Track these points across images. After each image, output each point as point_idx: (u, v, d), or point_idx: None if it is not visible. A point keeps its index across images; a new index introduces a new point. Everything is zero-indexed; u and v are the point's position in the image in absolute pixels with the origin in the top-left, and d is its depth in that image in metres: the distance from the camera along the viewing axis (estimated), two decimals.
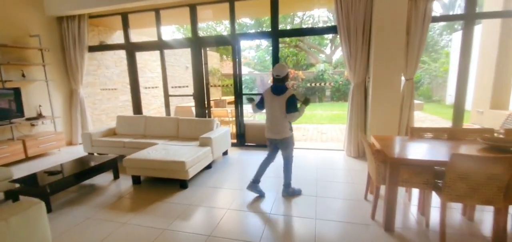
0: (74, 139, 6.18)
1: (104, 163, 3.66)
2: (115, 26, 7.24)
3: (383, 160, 2.53)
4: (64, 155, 5.25)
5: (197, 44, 5.38)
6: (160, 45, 5.67)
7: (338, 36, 4.37)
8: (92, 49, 6.13)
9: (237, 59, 5.25)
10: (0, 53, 4.69)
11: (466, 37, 4.16)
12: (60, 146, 5.49)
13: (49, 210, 2.92)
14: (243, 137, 5.49)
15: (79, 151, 5.33)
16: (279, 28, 4.96)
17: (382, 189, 2.56)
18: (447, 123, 8.15)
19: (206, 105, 5.60)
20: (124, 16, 5.73)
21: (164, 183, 3.56)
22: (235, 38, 5.17)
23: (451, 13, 17.27)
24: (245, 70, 19.41)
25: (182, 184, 3.43)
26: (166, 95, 5.85)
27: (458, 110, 4.38)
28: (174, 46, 5.75)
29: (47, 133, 5.37)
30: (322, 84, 15.29)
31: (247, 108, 7.02)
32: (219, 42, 5.82)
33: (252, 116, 6.82)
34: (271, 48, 5.16)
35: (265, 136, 3.18)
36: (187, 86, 9.79)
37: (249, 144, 5.48)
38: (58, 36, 5.91)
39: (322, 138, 6.52)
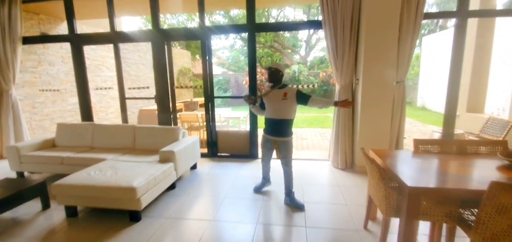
0: (5, 152, 5.00)
1: (26, 190, 2.74)
2: (62, 15, 6.09)
3: (390, 182, 1.98)
4: None
5: (160, 38, 4.56)
6: (113, 38, 4.74)
7: (323, 31, 3.84)
8: (27, 41, 5.01)
9: (207, 57, 4.51)
10: None
11: (458, 36, 3.82)
12: None
13: None
14: (215, 146, 4.76)
15: (6, 168, 4.24)
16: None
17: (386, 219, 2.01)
18: (425, 126, 8.07)
19: (171, 110, 4.78)
20: (68, 1, 4.72)
21: (110, 215, 2.73)
22: (205, 32, 4.43)
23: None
24: (218, 70, 18.58)
25: (133, 216, 2.63)
26: (122, 98, 4.93)
27: (450, 115, 4.05)
28: (131, 39, 4.86)
29: None
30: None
31: (220, 112, 6.24)
32: (186, 36, 5.04)
33: (225, 121, 6.11)
34: (245, 47, 4.48)
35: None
36: (148, 88, 8.80)
37: (222, 154, 4.77)
38: None
39: (302, 144, 6.00)
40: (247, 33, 4.31)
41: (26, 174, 3.93)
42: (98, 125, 4.24)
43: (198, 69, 15.50)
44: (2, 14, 4.67)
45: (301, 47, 21.12)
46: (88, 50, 7.24)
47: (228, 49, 22.75)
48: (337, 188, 3.33)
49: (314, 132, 7.40)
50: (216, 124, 4.94)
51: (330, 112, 11.09)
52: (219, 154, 4.76)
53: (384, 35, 3.53)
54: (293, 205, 2.86)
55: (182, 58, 13.65)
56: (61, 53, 6.31)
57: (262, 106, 2.88)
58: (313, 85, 14.89)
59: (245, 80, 14.90)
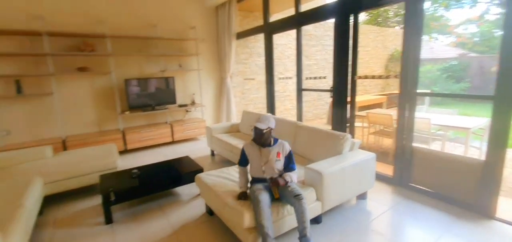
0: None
1: (189, 173, 2.91)
2: (273, 9, 6.55)
3: None
4: (198, 144, 5.30)
5: (344, 9, 3.45)
6: (297, 21, 4.26)
7: None
8: (238, 36, 5.82)
9: (415, 26, 2.83)
10: (162, 46, 5.24)
11: None
12: (202, 134, 5.65)
13: (109, 220, 2.51)
14: (407, 170, 3.02)
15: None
16: None
17: None
18: None
19: (347, 106, 3.61)
20: None
21: (230, 234, 2.26)
22: None
23: None
24: (452, 53, 13.69)
25: None
26: (299, 90, 4.41)
27: None
28: (313, 18, 4.14)
29: (192, 120, 5.69)
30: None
31: (431, 115, 3.84)
32: None
33: (440, 130, 3.87)
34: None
35: None
36: (324, 77, 7.86)
37: (415, 185, 2.94)
38: (215, 26, 6.05)
39: None
40: None
41: (214, 153, 4.53)
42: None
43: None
44: (223, 14, 5.67)
45: None
46: (291, 40, 7.52)
47: (474, 23, 16.08)
48: None
49: None
50: (420, 135, 3.12)
51: None
52: (412, 184, 2.97)
53: None
54: None
55: (397, 40, 11.24)
56: None
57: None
58: None
59: (495, 66, 9.62)
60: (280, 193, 2.06)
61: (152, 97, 5.10)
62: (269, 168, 2.14)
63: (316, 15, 4.06)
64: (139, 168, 3.08)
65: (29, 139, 4.30)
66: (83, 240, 2.28)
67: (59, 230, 2.45)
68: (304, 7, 4.20)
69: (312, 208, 2.18)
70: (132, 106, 4.88)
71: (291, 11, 4.49)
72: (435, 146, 3.92)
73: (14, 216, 1.90)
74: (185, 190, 3.14)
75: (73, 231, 2.42)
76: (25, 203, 2.11)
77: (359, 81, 10.11)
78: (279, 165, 2.17)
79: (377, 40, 10.01)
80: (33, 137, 4.34)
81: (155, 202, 2.89)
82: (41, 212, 2.67)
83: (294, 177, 2.14)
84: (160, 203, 2.87)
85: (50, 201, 2.91)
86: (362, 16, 13.44)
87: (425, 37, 14.00)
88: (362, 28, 9.47)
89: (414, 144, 2.98)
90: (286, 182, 2.05)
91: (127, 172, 2.96)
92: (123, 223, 2.51)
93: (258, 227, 1.83)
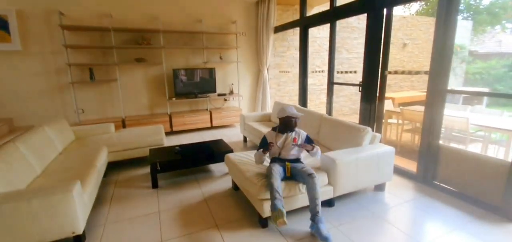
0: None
1: (218, 154, 3.33)
2: (312, 2, 6.62)
3: None
4: (233, 131, 5.74)
5: (377, 3, 3.46)
6: (331, 15, 4.34)
7: None
8: (276, 30, 6.05)
9: (446, 15, 2.77)
10: (206, 40, 5.75)
11: None
12: (238, 122, 6.07)
13: (155, 185, 3.06)
14: (432, 167, 2.99)
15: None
16: None
17: None
18: None
19: (376, 101, 3.63)
20: None
21: (251, 208, 2.60)
22: None
23: None
24: None
25: (261, 220, 2.29)
26: (330, 83, 4.50)
27: None
28: (346, 13, 4.17)
29: (230, 108, 6.15)
30: None
31: (472, 115, 3.61)
32: None
33: (480, 130, 3.64)
34: None
35: None
36: (355, 72, 7.52)
37: (439, 183, 2.91)
38: (255, 20, 6.36)
39: None
40: None
41: (247, 139, 4.90)
42: (299, 107, 4.23)
43: (483, 47, 10.90)
44: (263, 9, 5.95)
45: None
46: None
47: None
48: None
49: None
50: (457, 135, 3.04)
51: None
52: (436, 182, 2.94)
53: None
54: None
55: (457, 32, 10.19)
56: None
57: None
58: None
59: None
60: (293, 172, 2.33)
61: (195, 86, 5.68)
62: (285, 150, 2.44)
63: (349, 9, 4.09)
64: (180, 146, 3.61)
65: (97, 116, 5.22)
66: (136, 198, 2.85)
67: (118, 189, 3.08)
68: (341, 1, 4.25)
69: (323, 191, 2.39)
70: (178, 94, 5.52)
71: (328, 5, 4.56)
72: (476, 148, 3.71)
73: (89, 172, 2.53)
74: (217, 167, 3.59)
75: (128, 191, 3.02)
76: (96, 164, 2.75)
77: (406, 77, 9.59)
78: (295, 149, 2.44)
79: (430, 32, 9.27)
80: (101, 115, 5.25)
81: (192, 175, 3.39)
82: (105, 174, 3.35)
83: (317, 150, 2.44)
84: (196, 176, 3.35)
85: (112, 167, 3.61)
86: (415, 6, 12.43)
87: (497, 28, 12.34)
88: (412, 20, 8.89)
89: (442, 142, 2.93)
90: (313, 147, 2.39)
91: (171, 148, 3.50)
92: (166, 189, 3.04)
93: (268, 186, 2.14)
